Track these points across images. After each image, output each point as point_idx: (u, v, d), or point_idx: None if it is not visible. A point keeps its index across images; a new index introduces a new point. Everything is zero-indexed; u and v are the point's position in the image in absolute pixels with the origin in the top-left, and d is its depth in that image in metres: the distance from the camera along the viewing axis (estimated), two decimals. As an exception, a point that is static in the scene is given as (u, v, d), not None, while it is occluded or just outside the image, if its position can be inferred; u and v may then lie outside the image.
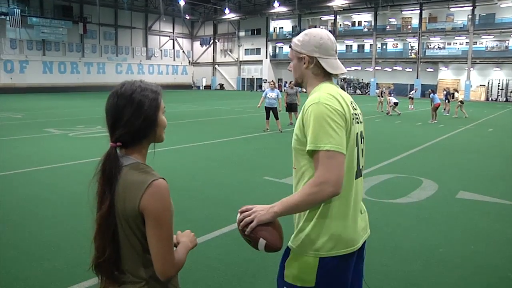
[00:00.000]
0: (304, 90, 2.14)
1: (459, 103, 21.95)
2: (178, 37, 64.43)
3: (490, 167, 9.23)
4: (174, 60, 63.49)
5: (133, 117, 1.54)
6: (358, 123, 1.97)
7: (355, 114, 1.96)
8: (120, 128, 1.55)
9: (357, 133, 1.94)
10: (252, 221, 1.83)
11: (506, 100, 42.83)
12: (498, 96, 44.10)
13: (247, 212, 1.87)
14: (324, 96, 1.85)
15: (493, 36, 44.06)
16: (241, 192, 6.79)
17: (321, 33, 1.98)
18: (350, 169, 1.88)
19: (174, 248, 1.66)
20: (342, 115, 1.82)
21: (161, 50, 61.98)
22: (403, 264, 4.24)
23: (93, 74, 52.53)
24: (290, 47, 2.06)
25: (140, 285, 1.57)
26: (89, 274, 3.92)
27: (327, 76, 2.00)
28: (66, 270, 3.96)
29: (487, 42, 44.93)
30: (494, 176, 8.29)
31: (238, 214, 1.91)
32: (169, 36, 63.17)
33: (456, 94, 22.80)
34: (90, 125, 15.25)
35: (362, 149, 2.00)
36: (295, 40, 2.02)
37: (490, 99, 44.21)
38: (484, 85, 45.23)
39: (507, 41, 43.49)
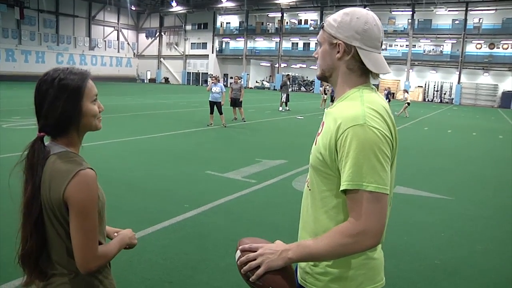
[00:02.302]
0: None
1: (406, 104, 22.79)
2: (123, 28, 62.73)
3: (424, 163, 9.69)
4: (118, 51, 61.76)
5: (53, 105, 1.47)
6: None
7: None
8: (42, 118, 1.49)
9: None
10: (259, 266, 1.45)
11: (441, 101, 45.13)
12: (433, 97, 46.42)
13: (252, 254, 1.47)
14: (368, 113, 1.39)
15: (430, 41, 46.31)
16: (183, 186, 6.73)
17: (367, 16, 1.48)
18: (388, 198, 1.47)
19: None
20: (390, 142, 1.41)
21: (105, 41, 60.11)
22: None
23: (31, 63, 49.91)
24: (322, 27, 1.57)
25: (69, 277, 1.52)
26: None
27: (364, 74, 1.53)
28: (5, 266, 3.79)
29: (424, 45, 47.12)
30: (428, 172, 8.72)
31: (238, 252, 1.53)
32: (114, 27, 61.38)
33: (406, 95, 23.71)
34: (27, 116, 14.54)
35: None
36: (330, 19, 1.54)
37: (426, 100, 46.43)
38: (422, 86, 47.44)
39: (441, 46, 45.97)
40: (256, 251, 1.48)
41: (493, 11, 42.20)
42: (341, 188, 1.39)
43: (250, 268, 1.46)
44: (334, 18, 1.52)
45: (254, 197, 6.32)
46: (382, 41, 1.52)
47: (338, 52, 1.50)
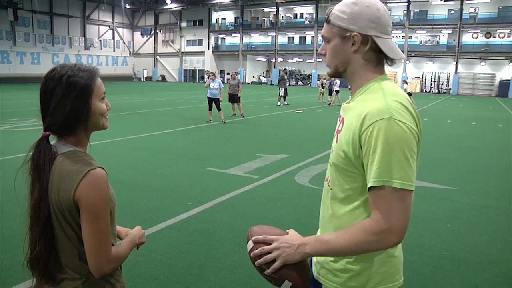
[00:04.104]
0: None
1: (407, 94, 22.74)
2: (118, 27, 62.47)
3: (426, 154, 9.62)
4: (114, 50, 61.54)
5: (61, 104, 1.42)
6: None
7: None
8: (48, 116, 1.44)
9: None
10: (274, 259, 1.41)
11: (438, 92, 45.15)
12: (431, 87, 46.41)
13: (267, 247, 1.42)
14: (394, 106, 1.34)
15: (426, 31, 46.31)
16: (185, 183, 6.69)
17: (376, 3, 1.42)
18: None
19: (119, 241, 1.59)
20: (416, 137, 1.36)
21: (100, 40, 59.87)
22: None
23: (26, 65, 49.66)
24: (327, 21, 1.46)
25: (80, 281, 1.47)
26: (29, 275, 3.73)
27: (380, 64, 1.47)
28: (9, 271, 3.74)
29: (421, 36, 47.06)
30: (430, 162, 8.68)
31: (251, 243, 1.47)
32: (109, 26, 61.12)
33: (404, 86, 23.79)
34: (25, 118, 14.46)
35: None
36: (337, 11, 1.43)
37: (424, 91, 46.41)
38: (419, 77, 47.41)
39: (438, 37, 46.01)
40: (270, 243, 1.42)
41: (489, 0, 42.09)
42: (368, 186, 1.34)
43: (265, 262, 1.41)
44: (341, 9, 1.42)
45: (257, 192, 6.28)
46: (391, 27, 1.47)
47: (353, 44, 1.41)
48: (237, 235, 4.60)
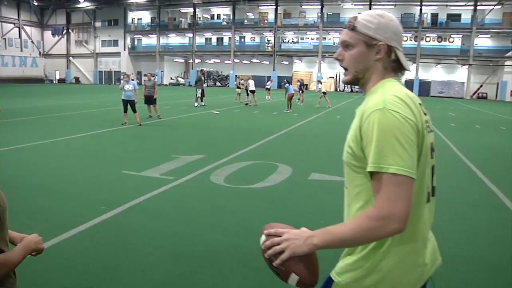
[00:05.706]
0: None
1: (321, 93, 23.71)
2: (25, 25, 58.84)
3: (337, 149, 10.11)
4: (21, 50, 57.89)
5: None
6: (429, 132, 1.54)
7: (426, 121, 1.52)
8: None
9: (429, 146, 1.52)
10: (283, 251, 1.46)
11: (351, 91, 47.42)
12: (344, 87, 48.62)
13: (277, 239, 1.48)
14: (390, 99, 1.43)
15: (338, 33, 48.37)
16: (99, 187, 6.53)
17: (394, 18, 1.56)
18: (420, 192, 1.48)
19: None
20: (414, 126, 1.41)
21: (5, 39, 56.06)
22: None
23: None
24: (350, 28, 1.55)
25: None
26: None
27: (393, 72, 1.58)
28: None
29: (334, 38, 49.18)
30: (340, 158, 9.14)
31: (263, 237, 1.53)
32: (14, 24, 57.39)
33: (319, 85, 24.76)
34: None
35: (433, 165, 1.57)
36: (363, 20, 1.53)
37: (338, 90, 48.54)
38: (333, 77, 49.51)
39: (350, 38, 48.43)
40: (281, 236, 1.49)
41: (393, 7, 45.22)
42: (367, 170, 1.41)
43: (274, 252, 1.47)
44: (367, 19, 1.53)
45: (172, 193, 6.29)
46: None
47: (377, 53, 1.53)
48: (151, 237, 4.60)
